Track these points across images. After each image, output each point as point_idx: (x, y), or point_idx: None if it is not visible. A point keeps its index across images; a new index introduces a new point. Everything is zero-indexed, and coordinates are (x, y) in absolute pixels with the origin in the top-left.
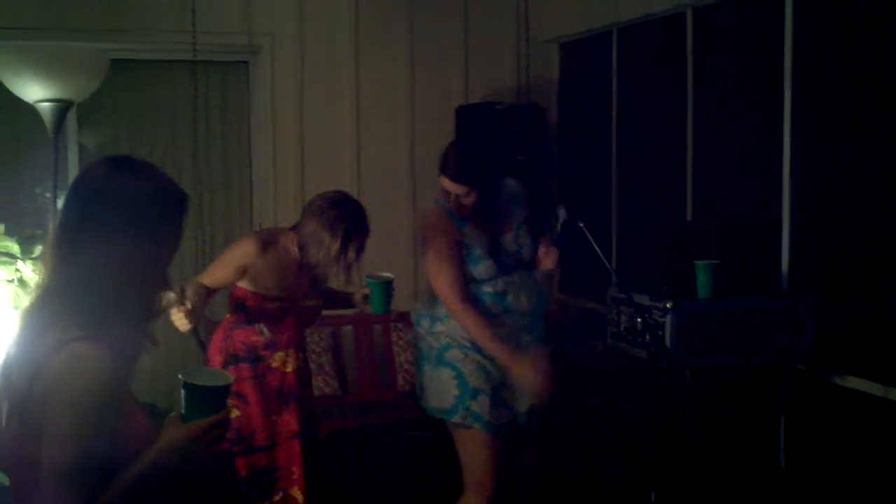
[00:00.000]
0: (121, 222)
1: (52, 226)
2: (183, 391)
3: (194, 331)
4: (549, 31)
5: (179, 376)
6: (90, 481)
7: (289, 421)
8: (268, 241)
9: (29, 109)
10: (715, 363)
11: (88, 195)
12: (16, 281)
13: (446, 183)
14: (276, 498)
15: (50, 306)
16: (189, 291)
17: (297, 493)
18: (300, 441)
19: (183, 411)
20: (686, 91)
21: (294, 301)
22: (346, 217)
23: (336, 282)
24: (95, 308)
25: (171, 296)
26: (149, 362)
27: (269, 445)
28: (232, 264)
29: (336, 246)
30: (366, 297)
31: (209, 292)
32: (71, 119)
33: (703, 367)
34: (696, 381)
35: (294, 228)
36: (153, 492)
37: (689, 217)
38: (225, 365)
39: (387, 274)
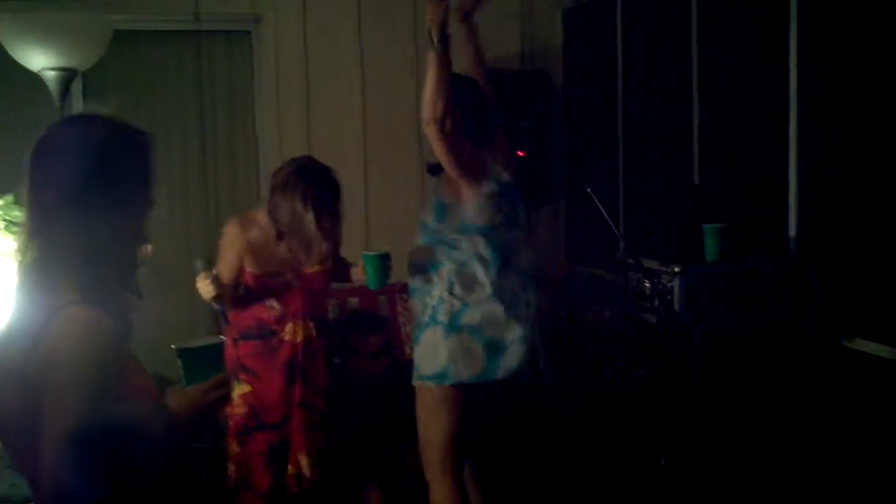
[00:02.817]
0: (86, 180)
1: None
2: (179, 360)
3: (218, 299)
4: None
5: (172, 346)
6: (95, 444)
7: (304, 392)
8: (247, 221)
9: (33, 79)
10: (723, 327)
11: (47, 159)
12: None
13: None
14: (290, 471)
15: (38, 276)
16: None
17: (302, 461)
18: (302, 410)
19: (183, 380)
20: (692, 53)
21: (296, 271)
22: (314, 184)
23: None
24: (82, 272)
25: (196, 264)
26: (157, 336)
27: (282, 421)
28: (228, 252)
29: (311, 217)
30: (363, 270)
31: (232, 288)
32: (76, 91)
33: (712, 331)
34: (704, 344)
35: (267, 205)
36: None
37: (696, 180)
38: (235, 342)
39: (383, 248)
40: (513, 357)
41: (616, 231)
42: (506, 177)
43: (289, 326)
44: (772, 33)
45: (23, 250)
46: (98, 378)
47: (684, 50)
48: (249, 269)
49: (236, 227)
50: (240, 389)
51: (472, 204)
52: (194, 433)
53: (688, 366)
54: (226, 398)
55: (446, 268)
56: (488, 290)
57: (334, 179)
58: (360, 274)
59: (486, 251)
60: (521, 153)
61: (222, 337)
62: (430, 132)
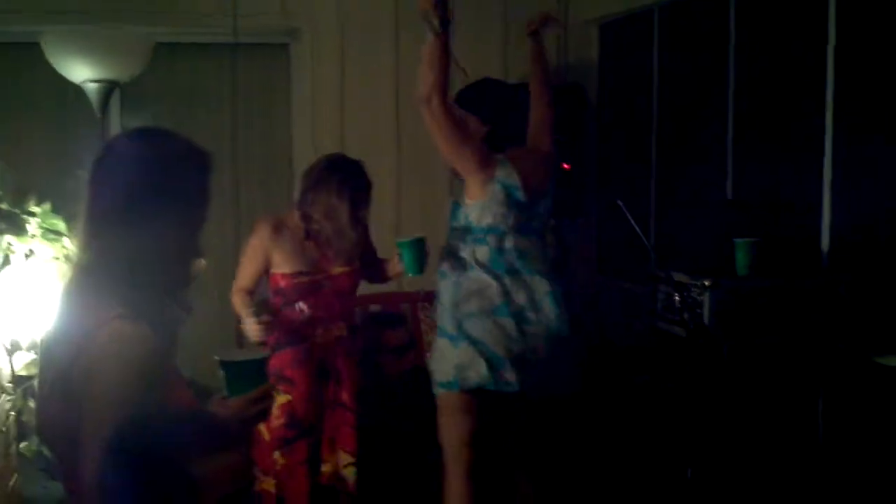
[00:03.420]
0: (145, 191)
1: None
2: (221, 371)
3: (261, 343)
4: (589, 11)
5: (215, 357)
6: (133, 456)
7: (336, 392)
8: (278, 222)
9: (74, 91)
10: (753, 341)
11: (109, 169)
12: (63, 258)
13: None
14: (325, 469)
15: (87, 284)
16: (237, 305)
17: (333, 460)
18: (335, 410)
19: (225, 392)
20: (728, 69)
21: (325, 272)
22: (349, 178)
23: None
24: (132, 284)
25: (252, 310)
26: (189, 338)
27: (317, 424)
28: (255, 253)
29: (346, 209)
30: (399, 259)
31: (250, 292)
32: (114, 102)
33: (742, 345)
34: (734, 358)
35: (298, 204)
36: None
37: (729, 195)
38: (273, 352)
39: (417, 235)
40: (522, 370)
41: (647, 244)
42: (515, 181)
43: (320, 328)
44: (809, 48)
45: (75, 256)
46: (139, 394)
47: (721, 65)
48: (280, 269)
49: (267, 227)
50: (278, 401)
51: (476, 203)
52: (236, 444)
53: (716, 379)
54: (267, 411)
55: (451, 279)
56: (497, 300)
57: (365, 173)
58: (396, 268)
59: (487, 258)
60: (565, 165)
61: (265, 351)
62: (421, 110)
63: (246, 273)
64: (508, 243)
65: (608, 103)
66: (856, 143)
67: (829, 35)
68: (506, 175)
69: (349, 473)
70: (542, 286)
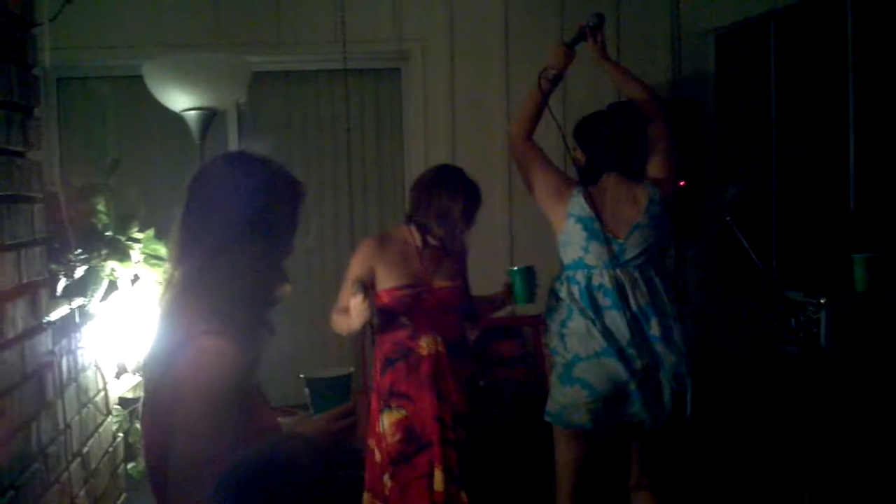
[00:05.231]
0: (236, 215)
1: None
2: (306, 389)
3: (368, 324)
4: (703, 22)
5: (301, 375)
6: (214, 472)
7: (443, 407)
8: (382, 237)
9: (177, 118)
10: (872, 360)
11: (204, 191)
12: (163, 282)
13: None
14: (437, 487)
15: (176, 301)
16: (337, 321)
17: (437, 475)
18: (437, 424)
19: (311, 409)
20: (848, 77)
21: (426, 285)
22: (460, 179)
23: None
24: (218, 301)
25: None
26: (279, 366)
27: (434, 437)
28: (358, 268)
29: (460, 207)
30: (510, 289)
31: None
32: (231, 130)
33: (858, 364)
34: (850, 377)
35: (408, 220)
36: (266, 478)
37: (852, 208)
38: (384, 370)
39: (526, 264)
40: (630, 405)
41: (756, 261)
42: (589, 213)
43: (423, 340)
44: None
45: (168, 276)
46: (222, 408)
47: (841, 72)
48: (383, 285)
49: (373, 243)
50: (392, 418)
51: (560, 237)
52: (325, 462)
53: (835, 400)
54: (353, 428)
55: (556, 318)
56: (600, 342)
57: (471, 179)
58: (507, 300)
59: (582, 297)
60: (681, 182)
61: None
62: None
63: (348, 292)
64: (598, 280)
65: (726, 116)
66: None
67: None
68: (579, 208)
69: (460, 494)
70: (645, 320)
